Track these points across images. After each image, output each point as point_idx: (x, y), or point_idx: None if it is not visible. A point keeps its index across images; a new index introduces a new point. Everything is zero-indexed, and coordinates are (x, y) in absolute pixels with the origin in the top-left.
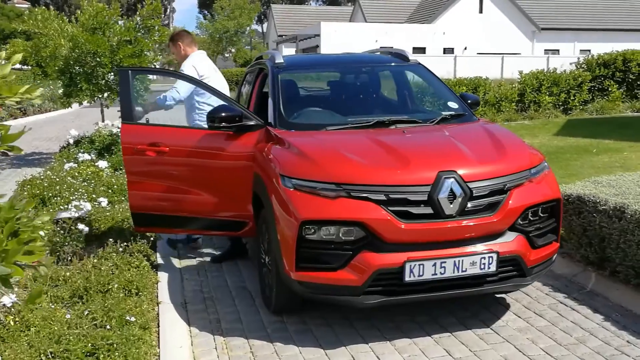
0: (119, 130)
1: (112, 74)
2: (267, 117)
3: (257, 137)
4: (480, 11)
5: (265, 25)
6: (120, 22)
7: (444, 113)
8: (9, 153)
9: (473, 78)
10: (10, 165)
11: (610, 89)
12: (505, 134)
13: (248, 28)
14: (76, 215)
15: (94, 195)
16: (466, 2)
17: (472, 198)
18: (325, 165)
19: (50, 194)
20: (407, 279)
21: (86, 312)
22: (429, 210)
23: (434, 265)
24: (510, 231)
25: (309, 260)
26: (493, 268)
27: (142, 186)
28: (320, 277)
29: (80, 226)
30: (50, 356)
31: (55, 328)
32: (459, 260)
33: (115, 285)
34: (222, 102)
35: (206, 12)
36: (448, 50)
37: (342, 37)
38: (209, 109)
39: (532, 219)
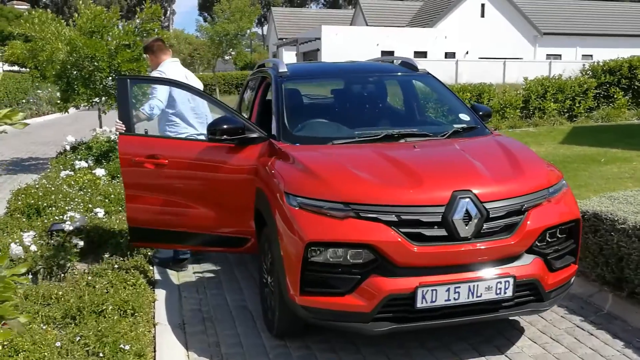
0: (116, 136)
1: (110, 78)
2: (271, 128)
3: (260, 150)
4: (482, 15)
5: (265, 28)
6: (119, 26)
7: (455, 126)
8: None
9: (477, 84)
10: (7, 171)
11: (615, 96)
12: (520, 149)
13: (248, 31)
14: (70, 228)
15: (90, 205)
16: (468, 6)
17: (489, 219)
18: (332, 183)
19: (45, 204)
20: (419, 305)
21: (78, 338)
22: (442, 232)
23: (448, 290)
24: (527, 253)
25: (314, 284)
26: (509, 293)
27: (140, 199)
28: (327, 302)
29: (75, 240)
30: None
31: (46, 354)
32: (473, 285)
33: (110, 307)
34: (190, 114)
35: (206, 14)
36: (449, 55)
37: (342, 41)
38: (177, 120)
39: (550, 240)
